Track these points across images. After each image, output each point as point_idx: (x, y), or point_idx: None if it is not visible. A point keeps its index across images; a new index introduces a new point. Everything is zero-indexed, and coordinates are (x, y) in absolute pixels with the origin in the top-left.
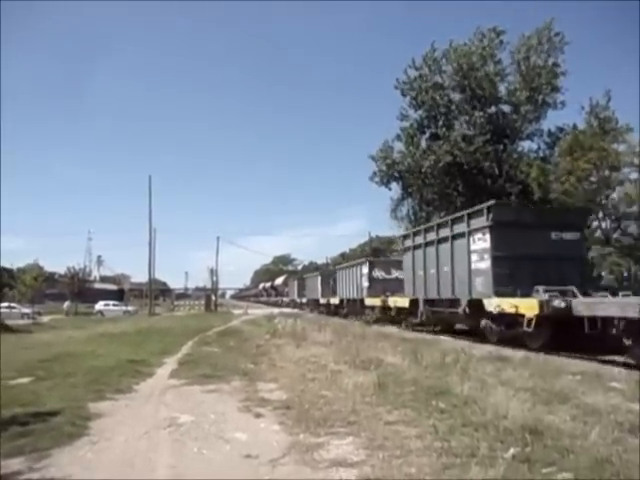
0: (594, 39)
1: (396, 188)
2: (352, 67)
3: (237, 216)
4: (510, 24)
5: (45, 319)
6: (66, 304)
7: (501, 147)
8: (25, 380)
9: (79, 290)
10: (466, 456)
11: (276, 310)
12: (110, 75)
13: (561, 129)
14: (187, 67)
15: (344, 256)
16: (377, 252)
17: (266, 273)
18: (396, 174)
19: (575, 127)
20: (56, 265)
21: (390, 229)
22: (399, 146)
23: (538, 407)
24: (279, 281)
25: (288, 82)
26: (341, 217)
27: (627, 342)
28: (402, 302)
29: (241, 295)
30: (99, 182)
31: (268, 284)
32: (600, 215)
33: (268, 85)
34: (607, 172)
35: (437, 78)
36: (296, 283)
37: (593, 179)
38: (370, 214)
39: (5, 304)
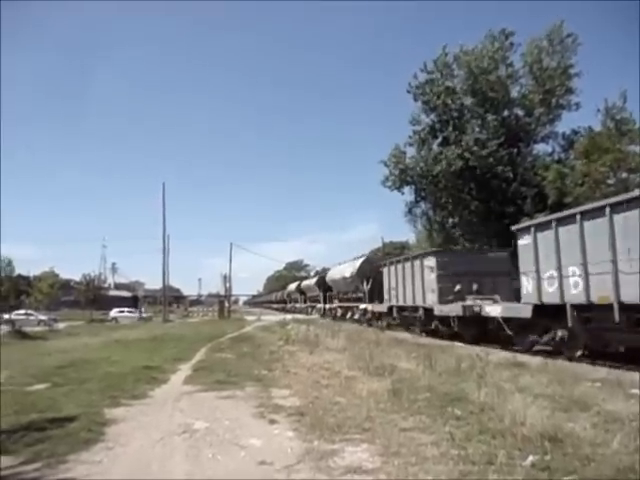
0: (610, 37)
1: (409, 192)
2: (363, 71)
3: (250, 223)
4: (524, 26)
5: (61, 326)
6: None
7: (515, 150)
8: (42, 386)
9: (94, 297)
10: (483, 464)
11: (289, 316)
12: (124, 82)
13: (576, 132)
14: (201, 72)
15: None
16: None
17: (279, 279)
18: (409, 179)
19: (591, 129)
20: (71, 272)
21: (404, 234)
22: (411, 151)
23: (557, 414)
24: (344, 271)
25: (300, 87)
26: (353, 222)
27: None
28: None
29: (255, 301)
30: (113, 189)
31: (310, 282)
32: None
33: (280, 91)
34: (625, 174)
35: (448, 82)
36: (417, 265)
37: (610, 182)
38: (382, 219)
39: (22, 311)
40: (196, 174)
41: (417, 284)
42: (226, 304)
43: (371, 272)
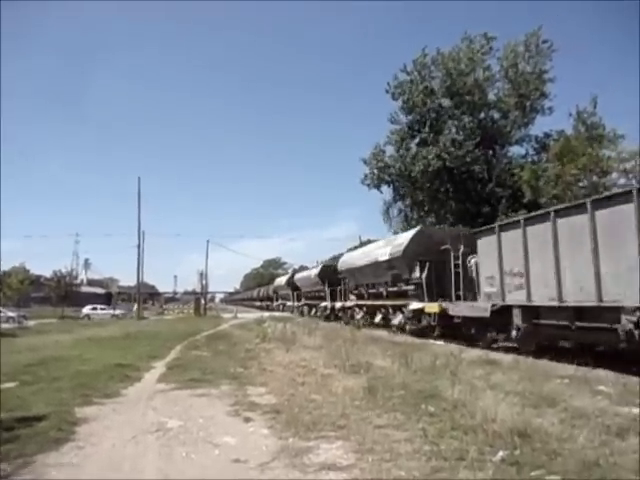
0: (583, 43)
1: (387, 191)
2: (344, 70)
3: (227, 219)
4: (501, 26)
5: (31, 323)
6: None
7: (491, 152)
8: (11, 385)
9: (66, 294)
10: (455, 459)
11: (266, 313)
12: (104, 77)
13: (548, 135)
14: (179, 68)
15: (336, 259)
16: None
17: (256, 277)
18: (387, 177)
19: (562, 133)
20: (42, 268)
21: (382, 233)
22: (390, 150)
23: (527, 410)
24: (376, 254)
25: (279, 85)
26: (331, 221)
27: None
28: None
29: (232, 299)
30: (87, 184)
31: (309, 273)
32: None
33: (259, 88)
34: (596, 177)
35: (427, 83)
36: (611, 217)
37: (582, 184)
38: (361, 217)
39: None
40: (174, 170)
41: (607, 258)
42: (202, 301)
43: (428, 252)
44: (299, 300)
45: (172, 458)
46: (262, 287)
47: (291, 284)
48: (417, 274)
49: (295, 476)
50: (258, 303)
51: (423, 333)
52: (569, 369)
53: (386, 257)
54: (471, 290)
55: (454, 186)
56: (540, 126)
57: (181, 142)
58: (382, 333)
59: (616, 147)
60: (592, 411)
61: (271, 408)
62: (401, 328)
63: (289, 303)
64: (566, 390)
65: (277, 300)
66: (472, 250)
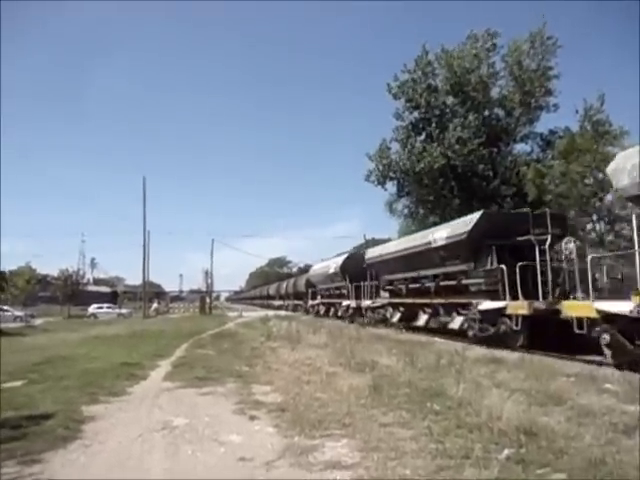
0: (589, 39)
1: (392, 188)
2: (347, 68)
3: (232, 218)
4: (504, 26)
5: (38, 322)
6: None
7: (495, 150)
8: (18, 383)
9: (72, 293)
10: (460, 457)
11: (271, 312)
12: (106, 76)
13: (553, 132)
14: (183, 67)
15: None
16: None
17: (261, 275)
18: (392, 174)
19: (568, 130)
20: (49, 267)
21: (385, 231)
22: (396, 146)
23: (533, 409)
24: None
25: (283, 83)
26: (335, 219)
27: None
28: None
29: (238, 297)
30: (93, 183)
31: (418, 240)
32: (594, 218)
33: (263, 86)
34: (601, 175)
35: (431, 81)
36: None
37: (588, 182)
38: (364, 216)
39: None
40: (179, 169)
41: None
42: (207, 300)
43: None
44: (371, 296)
45: (178, 456)
46: (284, 281)
47: (348, 271)
48: None
49: (301, 475)
50: (278, 302)
51: None
52: (576, 367)
53: None
54: None
55: (459, 184)
56: (545, 123)
57: (186, 141)
58: (387, 331)
59: (621, 144)
60: (599, 409)
61: (276, 406)
62: None
63: (346, 302)
64: (572, 388)
65: (314, 298)
66: None
